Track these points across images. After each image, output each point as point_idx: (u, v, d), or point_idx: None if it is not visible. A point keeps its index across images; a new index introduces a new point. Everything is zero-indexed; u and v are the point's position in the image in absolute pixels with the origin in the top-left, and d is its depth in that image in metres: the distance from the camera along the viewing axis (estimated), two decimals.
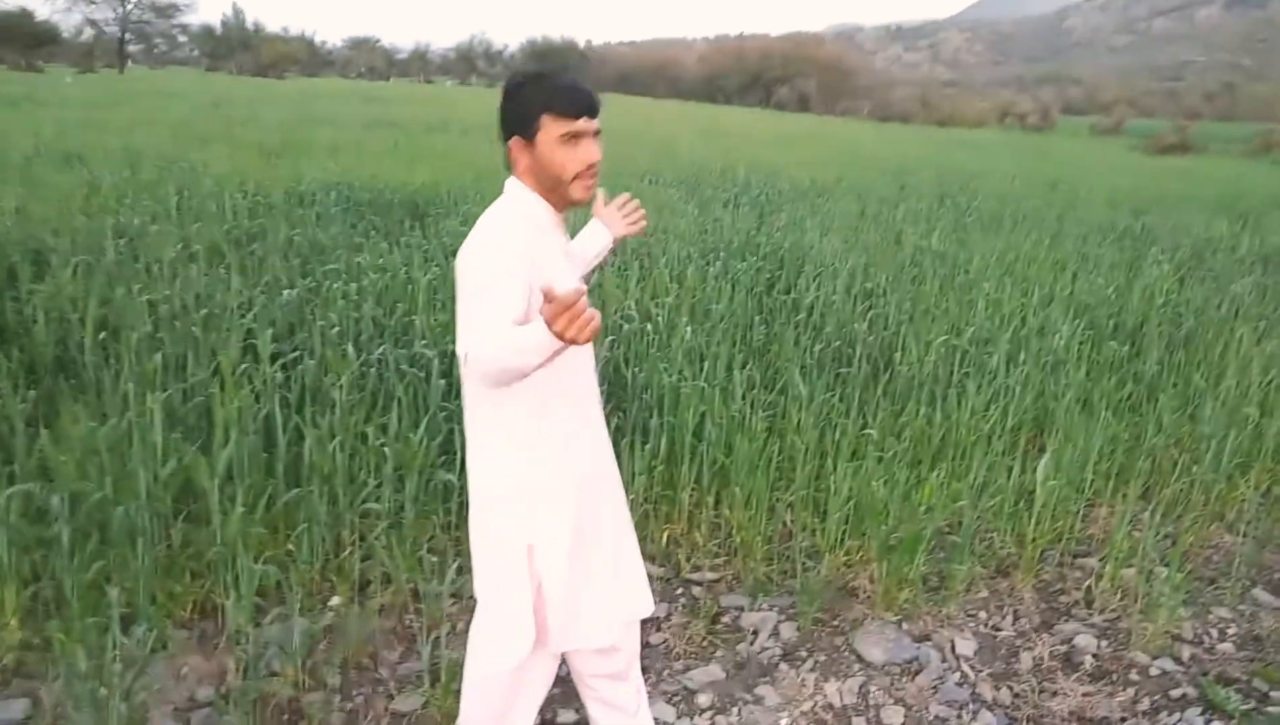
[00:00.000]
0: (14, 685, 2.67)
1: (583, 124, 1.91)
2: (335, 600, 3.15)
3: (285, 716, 2.68)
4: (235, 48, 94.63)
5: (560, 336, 1.59)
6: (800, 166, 15.12)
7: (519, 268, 1.84)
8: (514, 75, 1.98)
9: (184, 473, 3.06)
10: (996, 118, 58.43)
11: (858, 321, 5.13)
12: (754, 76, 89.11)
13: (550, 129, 1.91)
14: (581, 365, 2.09)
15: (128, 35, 77.07)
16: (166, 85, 35.34)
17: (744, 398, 4.05)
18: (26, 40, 69.07)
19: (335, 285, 4.78)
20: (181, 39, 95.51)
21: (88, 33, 78.04)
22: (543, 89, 1.92)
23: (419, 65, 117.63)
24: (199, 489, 3.07)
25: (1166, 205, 12.77)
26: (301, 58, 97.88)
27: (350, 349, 3.81)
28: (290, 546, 3.13)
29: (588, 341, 1.62)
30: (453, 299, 4.76)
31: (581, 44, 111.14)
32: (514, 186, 2.00)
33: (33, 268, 5.09)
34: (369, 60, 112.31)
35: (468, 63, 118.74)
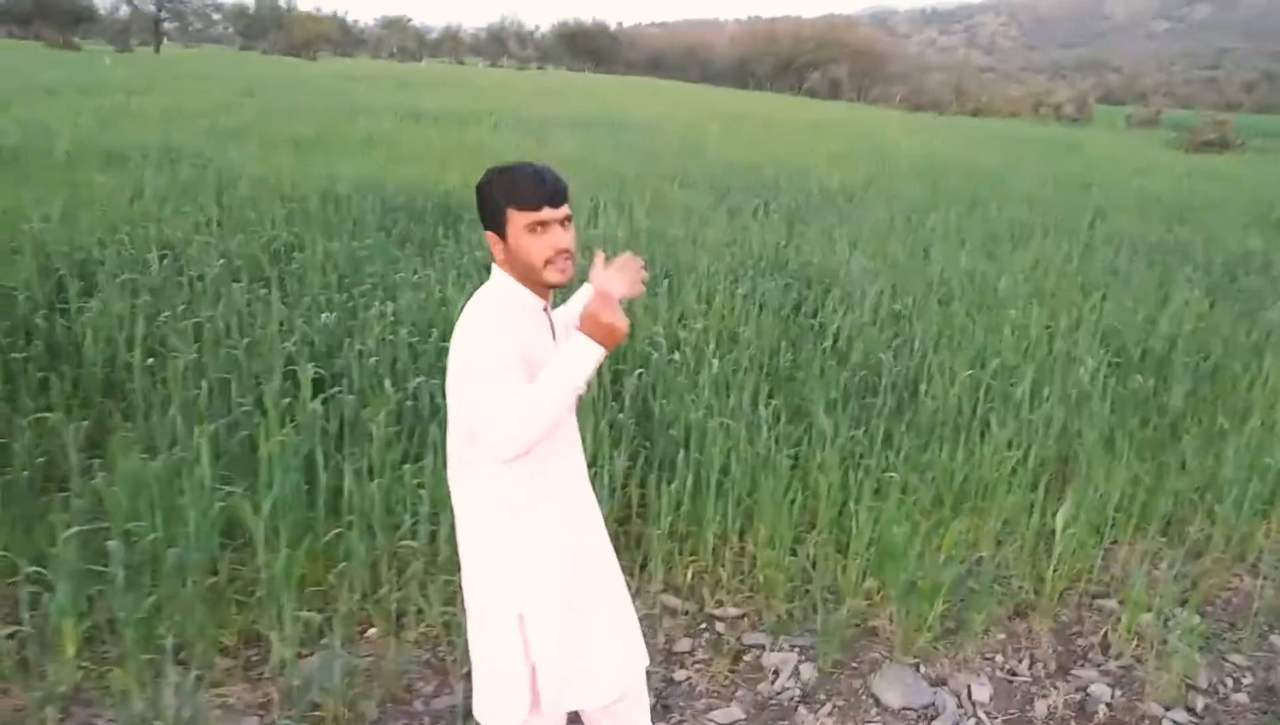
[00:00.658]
0: (73, 715, 2.81)
1: (546, 213, 1.99)
2: (373, 632, 3.28)
3: None
4: (268, 26, 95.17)
5: (605, 327, 1.88)
6: (830, 164, 15.09)
7: (514, 349, 1.96)
8: (486, 171, 2.06)
9: (231, 510, 3.19)
10: (1031, 107, 57.60)
11: (884, 350, 5.19)
12: (786, 61, 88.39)
13: (516, 221, 2.00)
14: (573, 434, 2.24)
15: (163, 13, 77.74)
16: (201, 67, 35.65)
17: (769, 431, 4.14)
18: (65, 18, 69.93)
19: (372, 308, 4.90)
20: (215, 16, 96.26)
21: (124, 10, 78.87)
22: (505, 183, 2.01)
23: (450, 45, 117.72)
24: (244, 524, 3.22)
25: (1200, 213, 12.64)
26: (334, 37, 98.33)
27: (388, 385, 3.93)
28: (331, 579, 3.26)
29: (621, 339, 1.90)
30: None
31: (612, 26, 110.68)
32: (498, 275, 2.10)
33: (80, 282, 5.26)
34: (400, 40, 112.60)
35: (499, 43, 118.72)
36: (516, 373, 1.93)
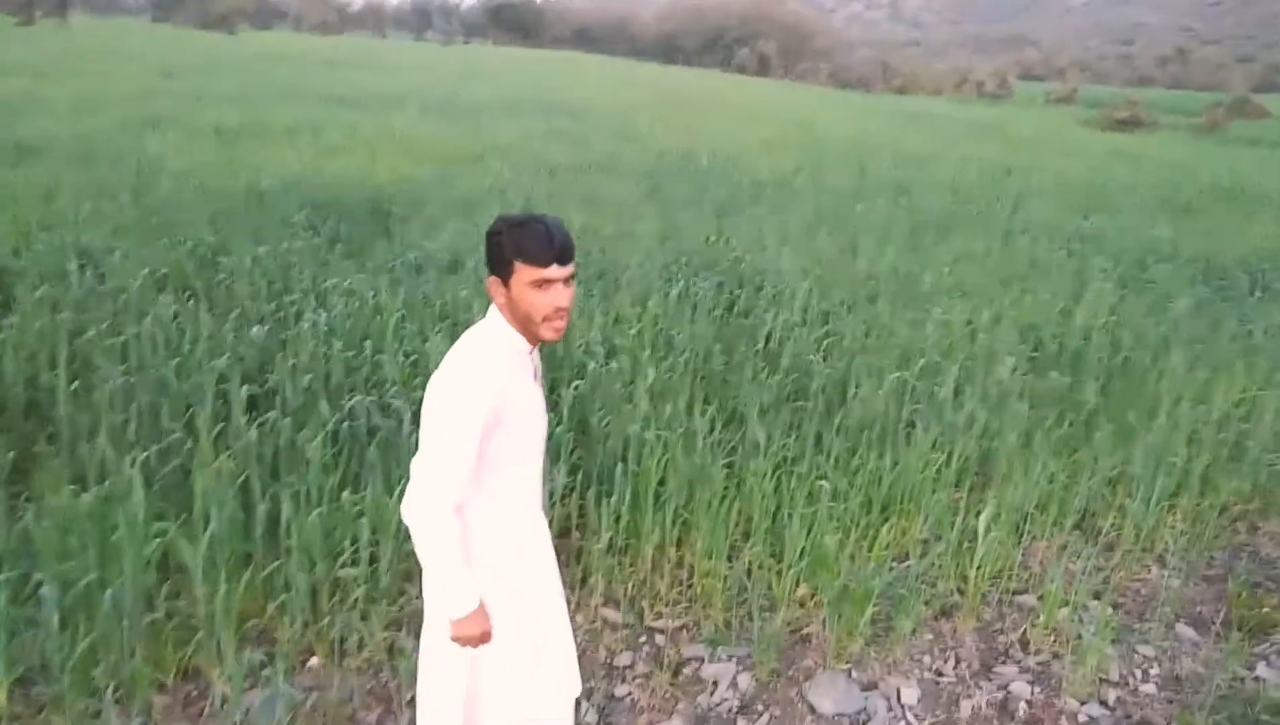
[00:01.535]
0: None
1: (553, 271, 2.04)
2: (314, 662, 3.29)
3: None
4: None
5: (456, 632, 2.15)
6: (760, 150, 15.24)
7: (480, 408, 2.04)
8: (498, 219, 2.11)
9: (166, 544, 3.17)
10: (954, 84, 58.72)
11: (814, 351, 5.31)
12: (714, 36, 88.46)
13: (522, 274, 2.06)
14: (536, 476, 2.30)
15: None
16: (113, 43, 34.35)
17: (705, 440, 4.23)
18: None
19: (304, 319, 4.86)
20: None
21: None
22: (516, 238, 2.05)
23: (373, 19, 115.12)
24: (181, 557, 3.20)
25: (1113, 198, 13.10)
26: (251, 10, 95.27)
27: (324, 406, 3.92)
28: (271, 612, 3.26)
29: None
30: (419, 334, 4.86)
31: None
32: (494, 317, 2.15)
33: None
34: (321, 14, 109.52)
35: (423, 17, 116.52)
36: (474, 438, 2.04)
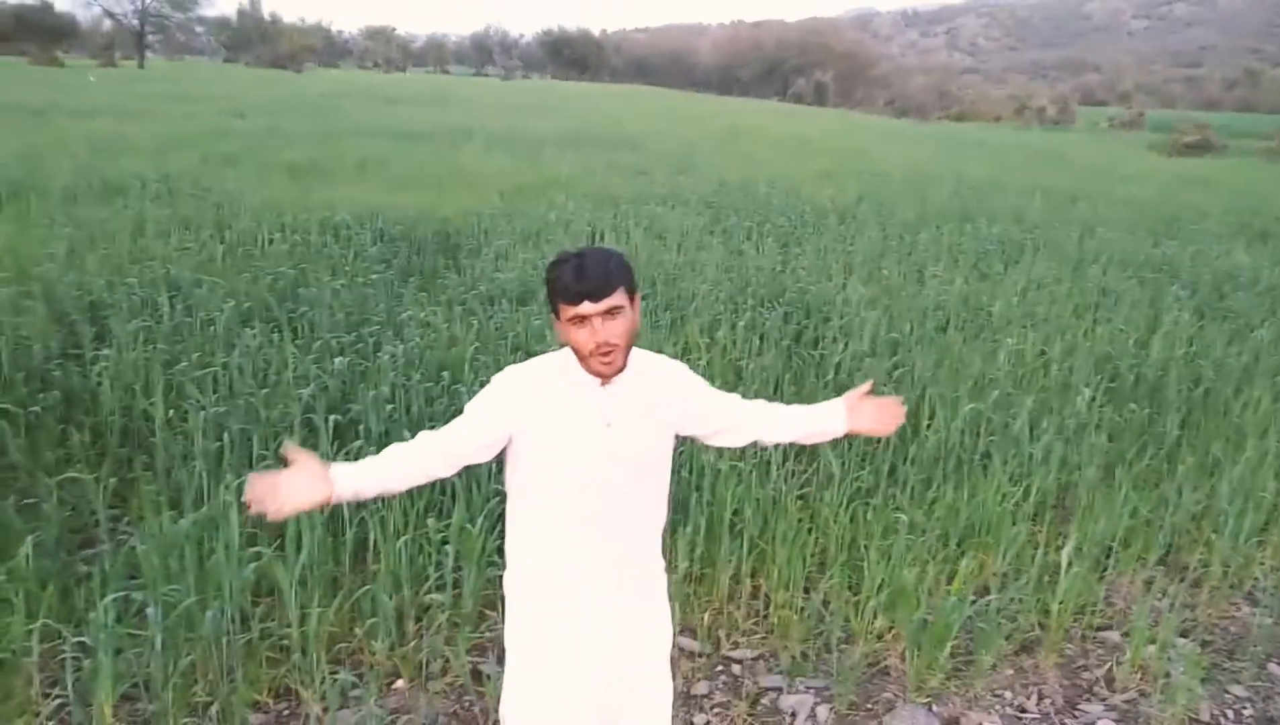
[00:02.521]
0: None
1: (585, 308, 2.03)
2: (400, 684, 3.36)
3: None
4: (252, 38, 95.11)
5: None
6: (820, 180, 15.25)
7: (493, 404, 2.17)
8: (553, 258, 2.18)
9: (261, 568, 3.28)
10: (1014, 110, 58.12)
11: (885, 382, 5.30)
12: (770, 66, 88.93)
13: (562, 312, 2.09)
14: (582, 521, 2.22)
15: (146, 27, 77.61)
16: (187, 85, 35.65)
17: (779, 471, 4.24)
18: (47, 33, 69.78)
19: (383, 352, 4.99)
20: (198, 29, 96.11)
21: (107, 24, 78.74)
22: (553, 275, 2.09)
23: (435, 55, 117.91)
24: (274, 579, 3.30)
25: (1185, 224, 12.85)
26: (318, 48, 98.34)
27: (405, 433, 4.01)
28: (359, 634, 3.35)
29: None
30: (495, 364, 4.97)
31: (596, 33, 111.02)
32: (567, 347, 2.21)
33: (92, 328, 5.33)
34: (385, 51, 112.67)
35: (483, 52, 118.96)
36: (469, 428, 2.18)
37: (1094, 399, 5.21)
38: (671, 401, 2.26)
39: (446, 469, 2.25)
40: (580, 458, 2.18)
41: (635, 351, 2.21)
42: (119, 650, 2.98)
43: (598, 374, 2.12)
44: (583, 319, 2.05)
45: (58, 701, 2.90)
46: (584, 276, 2.03)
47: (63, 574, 3.42)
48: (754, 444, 2.55)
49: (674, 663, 3.54)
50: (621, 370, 2.14)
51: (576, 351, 2.11)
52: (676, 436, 2.37)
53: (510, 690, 2.38)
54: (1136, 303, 7.64)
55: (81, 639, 2.96)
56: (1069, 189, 16.53)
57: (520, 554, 2.32)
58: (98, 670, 2.86)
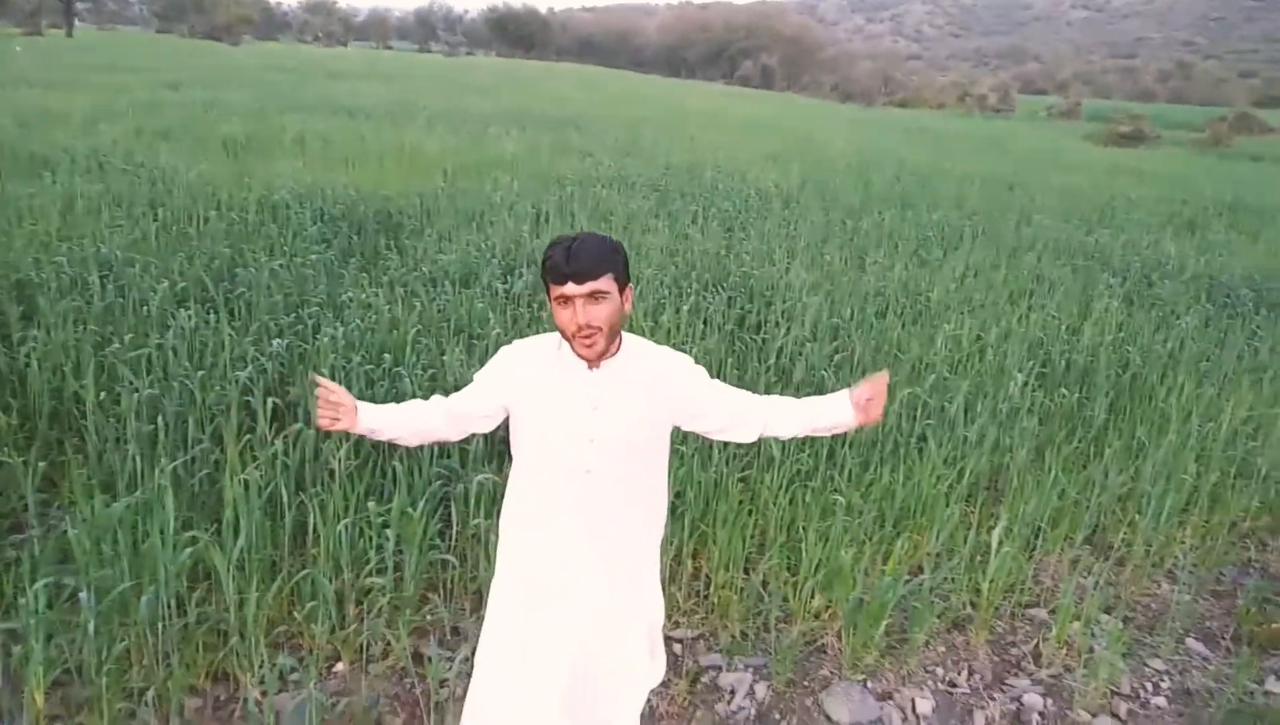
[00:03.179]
0: None
1: (569, 289, 2.08)
2: (340, 667, 3.35)
3: None
4: (187, 8, 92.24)
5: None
6: (766, 163, 15.34)
7: (493, 375, 2.29)
8: None
9: (197, 553, 3.23)
10: (957, 97, 58.95)
11: (825, 366, 5.38)
12: (718, 49, 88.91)
13: (551, 291, 2.14)
14: (556, 499, 2.28)
15: None
16: (119, 55, 34.52)
17: (720, 454, 4.29)
18: None
19: (323, 334, 4.92)
20: None
21: None
22: (546, 256, 2.14)
23: (377, 30, 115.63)
24: (210, 563, 3.27)
25: (1118, 213, 13.20)
26: (255, 20, 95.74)
27: None
28: (299, 618, 3.33)
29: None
30: (437, 347, 4.93)
31: (543, 10, 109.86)
32: None
33: (20, 307, 5.18)
34: (325, 24, 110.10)
35: (427, 28, 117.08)
36: (475, 391, 2.32)
37: (1026, 383, 5.35)
38: (658, 387, 2.27)
39: (454, 433, 2.38)
40: (566, 439, 2.22)
41: (637, 340, 2.27)
42: (50, 636, 2.93)
43: (581, 357, 2.16)
44: (567, 300, 2.10)
45: None
46: (572, 259, 2.07)
47: None
48: (761, 438, 2.58)
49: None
50: (606, 355, 2.18)
51: (561, 332, 2.16)
52: (680, 430, 2.42)
53: (485, 679, 2.40)
54: (1069, 290, 7.84)
55: (10, 626, 2.91)
56: (1007, 176, 16.86)
57: (511, 530, 2.37)
58: (29, 656, 2.80)
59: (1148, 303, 7.84)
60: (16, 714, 2.86)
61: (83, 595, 2.87)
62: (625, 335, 2.25)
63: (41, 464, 3.74)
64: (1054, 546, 4.41)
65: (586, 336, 2.11)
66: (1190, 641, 4.01)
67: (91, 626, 2.87)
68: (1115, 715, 3.51)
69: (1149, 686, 3.70)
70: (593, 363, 2.18)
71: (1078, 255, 9.60)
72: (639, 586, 2.43)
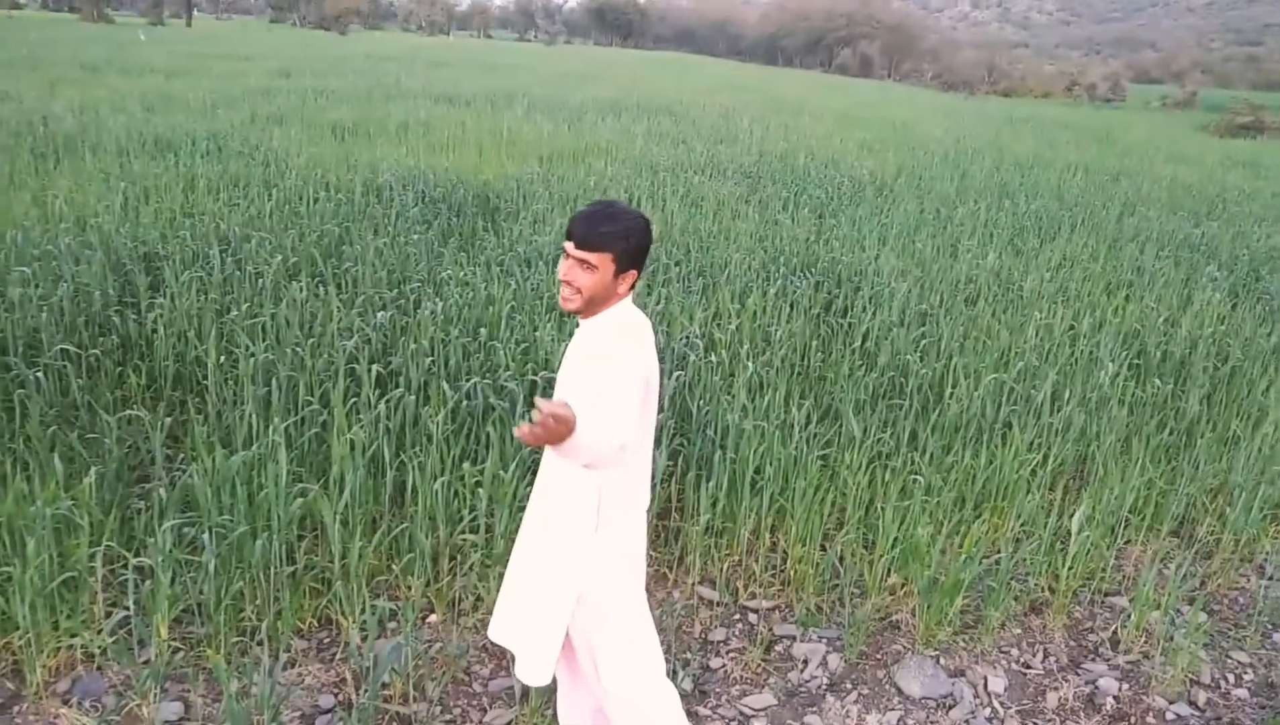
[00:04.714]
0: (168, 690, 3.12)
1: (567, 244, 2.29)
2: (433, 618, 3.57)
3: None
4: None
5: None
6: (861, 152, 15.21)
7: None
8: None
9: (306, 504, 3.49)
10: (1064, 87, 56.99)
11: (911, 351, 5.40)
12: (817, 37, 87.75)
13: None
14: (647, 468, 2.50)
15: None
16: (235, 44, 36.03)
17: (801, 432, 4.38)
18: None
19: (424, 308, 5.17)
20: None
21: None
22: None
23: (479, 19, 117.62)
24: (318, 516, 3.52)
25: (1229, 206, 12.69)
26: (363, 9, 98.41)
27: (444, 385, 4.21)
28: (397, 571, 3.56)
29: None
30: (530, 323, 5.12)
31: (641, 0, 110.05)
32: None
33: (148, 278, 5.57)
34: (429, 14, 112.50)
35: (527, 17, 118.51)
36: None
37: (1118, 374, 5.28)
38: (582, 364, 2.35)
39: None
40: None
41: (617, 317, 2.35)
42: (174, 577, 3.21)
43: (560, 304, 2.37)
44: (565, 253, 2.30)
45: (119, 618, 3.12)
46: (580, 222, 2.27)
47: (122, 505, 3.66)
48: None
49: (691, 609, 3.74)
50: (586, 315, 2.36)
51: None
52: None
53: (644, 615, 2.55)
54: (1170, 282, 7.63)
55: (141, 562, 3.19)
56: (1113, 167, 16.33)
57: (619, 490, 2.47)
58: (156, 589, 3.09)
59: (1254, 296, 7.58)
60: (146, 641, 3.15)
61: (204, 538, 3.13)
62: (617, 308, 2.36)
63: (167, 420, 4.06)
64: (1138, 536, 4.37)
65: (565, 288, 2.30)
66: (1278, 637, 3.95)
67: (212, 566, 3.14)
68: (1193, 704, 3.49)
69: (1230, 678, 3.66)
70: (576, 317, 2.41)
71: (1182, 248, 9.30)
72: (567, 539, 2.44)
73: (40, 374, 4.28)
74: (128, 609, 3.08)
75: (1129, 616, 3.85)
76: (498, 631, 2.59)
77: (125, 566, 3.24)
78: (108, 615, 3.18)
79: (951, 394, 4.98)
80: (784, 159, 13.32)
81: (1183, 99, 52.38)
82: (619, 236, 2.26)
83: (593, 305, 2.33)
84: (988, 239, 8.77)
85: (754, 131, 17.01)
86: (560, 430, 1.88)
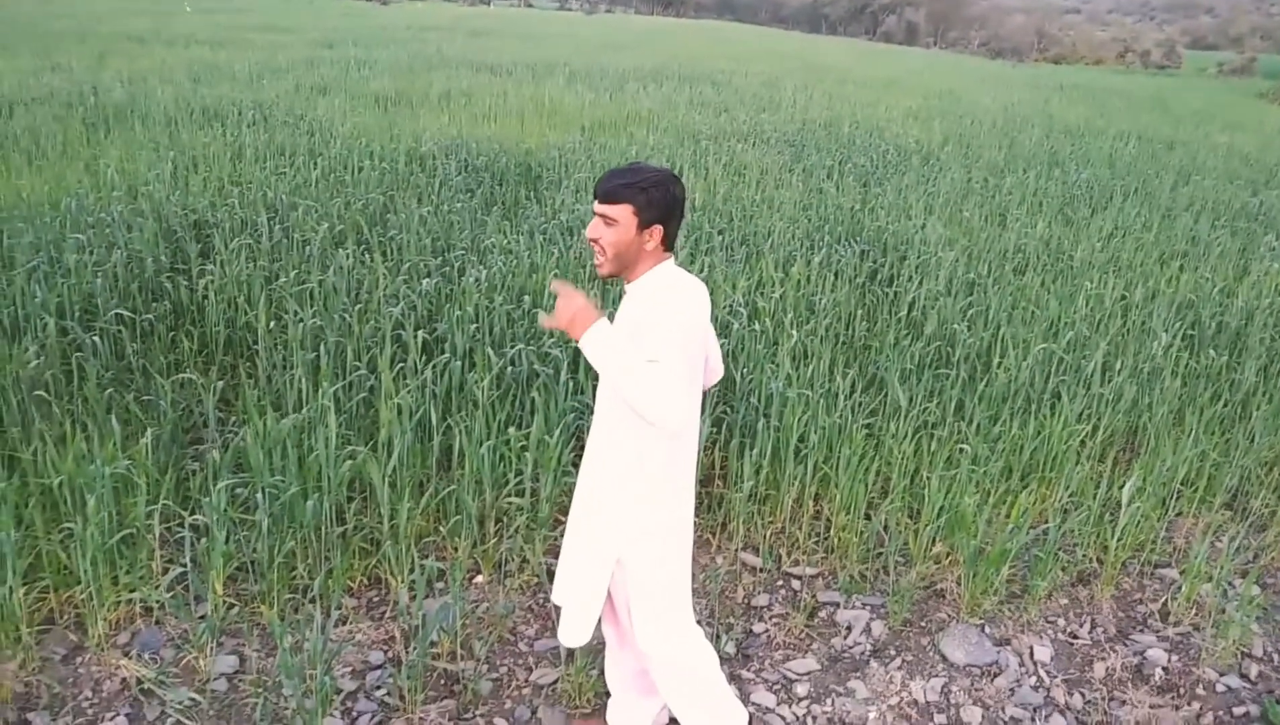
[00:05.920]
0: (224, 644, 3.20)
1: (595, 203, 2.30)
2: (480, 579, 3.62)
3: (443, 682, 3.16)
4: None
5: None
6: (906, 120, 14.97)
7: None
8: None
9: (355, 467, 3.54)
10: (1117, 54, 55.57)
11: (958, 320, 5.33)
12: (861, 4, 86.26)
13: None
14: (695, 435, 2.51)
15: None
16: (277, 15, 36.18)
17: (846, 401, 4.35)
18: None
19: (468, 276, 5.21)
20: None
21: None
22: None
23: None
24: (366, 478, 3.57)
25: None
26: None
27: (489, 351, 4.24)
28: (444, 532, 3.61)
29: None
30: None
31: None
32: None
33: (198, 245, 5.66)
34: None
35: None
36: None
37: (1171, 345, 5.18)
38: (632, 329, 2.31)
39: None
40: None
41: (662, 279, 2.32)
42: (228, 535, 3.28)
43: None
44: (594, 212, 2.31)
45: (176, 573, 3.21)
46: (602, 180, 2.29)
47: (177, 465, 3.74)
48: None
49: (735, 575, 3.75)
50: (626, 279, 2.37)
51: None
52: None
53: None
54: (1225, 252, 7.45)
55: (197, 520, 3.27)
56: (1167, 135, 15.94)
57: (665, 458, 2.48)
58: (211, 547, 3.16)
59: None
60: (202, 597, 3.23)
61: (257, 498, 3.20)
62: (659, 271, 2.33)
63: (219, 384, 4.14)
64: (1190, 508, 4.30)
65: (592, 244, 2.32)
66: None
67: (265, 525, 3.21)
68: (1244, 676, 3.44)
69: None
70: (615, 281, 2.39)
71: (1239, 217, 9.07)
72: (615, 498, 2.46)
73: (97, 338, 4.37)
74: (184, 565, 3.15)
75: (1179, 588, 3.80)
76: (557, 594, 2.63)
77: (181, 525, 3.33)
78: (165, 571, 3.27)
79: (999, 364, 4.91)
80: (828, 127, 13.15)
81: (1240, 65, 50.83)
82: (636, 187, 2.25)
83: (624, 266, 2.31)
84: (1037, 208, 8.61)
85: (797, 100, 16.80)
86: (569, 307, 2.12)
